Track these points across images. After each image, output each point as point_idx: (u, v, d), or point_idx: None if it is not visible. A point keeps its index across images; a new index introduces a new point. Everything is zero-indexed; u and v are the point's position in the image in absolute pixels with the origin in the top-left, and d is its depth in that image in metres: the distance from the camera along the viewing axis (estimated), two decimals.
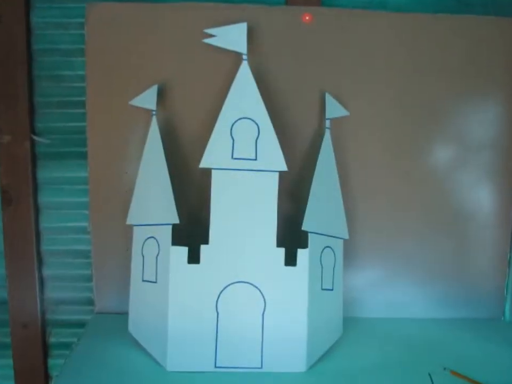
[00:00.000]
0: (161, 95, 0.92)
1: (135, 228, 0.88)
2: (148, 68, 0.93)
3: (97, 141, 0.95)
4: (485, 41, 0.96)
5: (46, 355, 1.12)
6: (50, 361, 1.13)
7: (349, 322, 0.93)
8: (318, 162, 0.88)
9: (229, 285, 0.81)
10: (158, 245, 0.84)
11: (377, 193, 0.99)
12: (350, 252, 0.95)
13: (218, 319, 0.81)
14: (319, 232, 0.85)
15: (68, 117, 1.05)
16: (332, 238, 0.88)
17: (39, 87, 1.04)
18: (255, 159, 0.83)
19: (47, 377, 1.12)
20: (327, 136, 0.91)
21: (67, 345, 1.06)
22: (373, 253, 1.00)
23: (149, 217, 0.86)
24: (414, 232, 1.01)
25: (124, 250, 0.94)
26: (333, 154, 0.90)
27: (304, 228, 0.83)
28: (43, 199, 1.08)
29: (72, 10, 1.01)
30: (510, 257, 1.04)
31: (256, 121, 0.84)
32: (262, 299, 0.81)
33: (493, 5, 1.01)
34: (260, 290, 0.81)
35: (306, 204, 0.85)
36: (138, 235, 0.88)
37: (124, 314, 0.91)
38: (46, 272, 1.10)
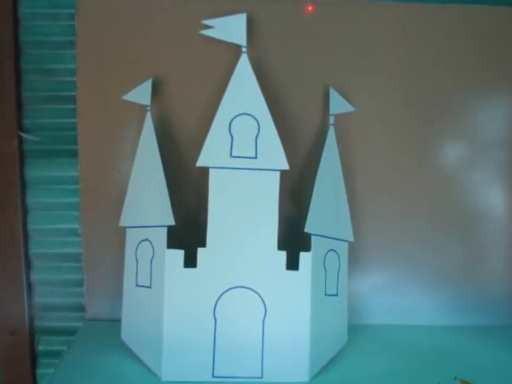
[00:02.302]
0: (156, 89, 0.91)
1: (128, 230, 0.88)
2: (142, 61, 0.93)
3: (89, 138, 0.95)
4: (495, 32, 0.97)
5: (34, 364, 1.12)
6: (39, 371, 1.13)
7: (354, 329, 0.92)
8: (321, 161, 0.87)
9: (227, 290, 0.80)
10: (153, 248, 0.84)
11: (383, 193, 0.99)
12: (355, 255, 0.95)
13: (216, 326, 0.80)
14: (323, 234, 0.85)
15: (58, 112, 1.04)
16: (336, 240, 0.87)
17: (27, 81, 1.04)
18: (255, 157, 0.82)
19: None
20: (331, 132, 0.90)
21: (56, 354, 1.07)
22: (379, 256, 1.00)
23: (143, 218, 0.86)
24: (422, 234, 1.01)
25: (117, 254, 0.93)
26: (337, 152, 0.90)
27: (306, 229, 0.82)
28: (31, 199, 1.07)
29: (62, 0, 1.01)
30: None
31: (256, 117, 0.83)
32: (263, 305, 0.81)
33: None
34: (260, 296, 0.81)
35: (309, 204, 0.84)
36: (132, 237, 0.87)
37: (117, 321, 0.90)
38: (35, 276, 1.09)
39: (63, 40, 1.02)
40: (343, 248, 0.89)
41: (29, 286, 1.09)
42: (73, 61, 0.96)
